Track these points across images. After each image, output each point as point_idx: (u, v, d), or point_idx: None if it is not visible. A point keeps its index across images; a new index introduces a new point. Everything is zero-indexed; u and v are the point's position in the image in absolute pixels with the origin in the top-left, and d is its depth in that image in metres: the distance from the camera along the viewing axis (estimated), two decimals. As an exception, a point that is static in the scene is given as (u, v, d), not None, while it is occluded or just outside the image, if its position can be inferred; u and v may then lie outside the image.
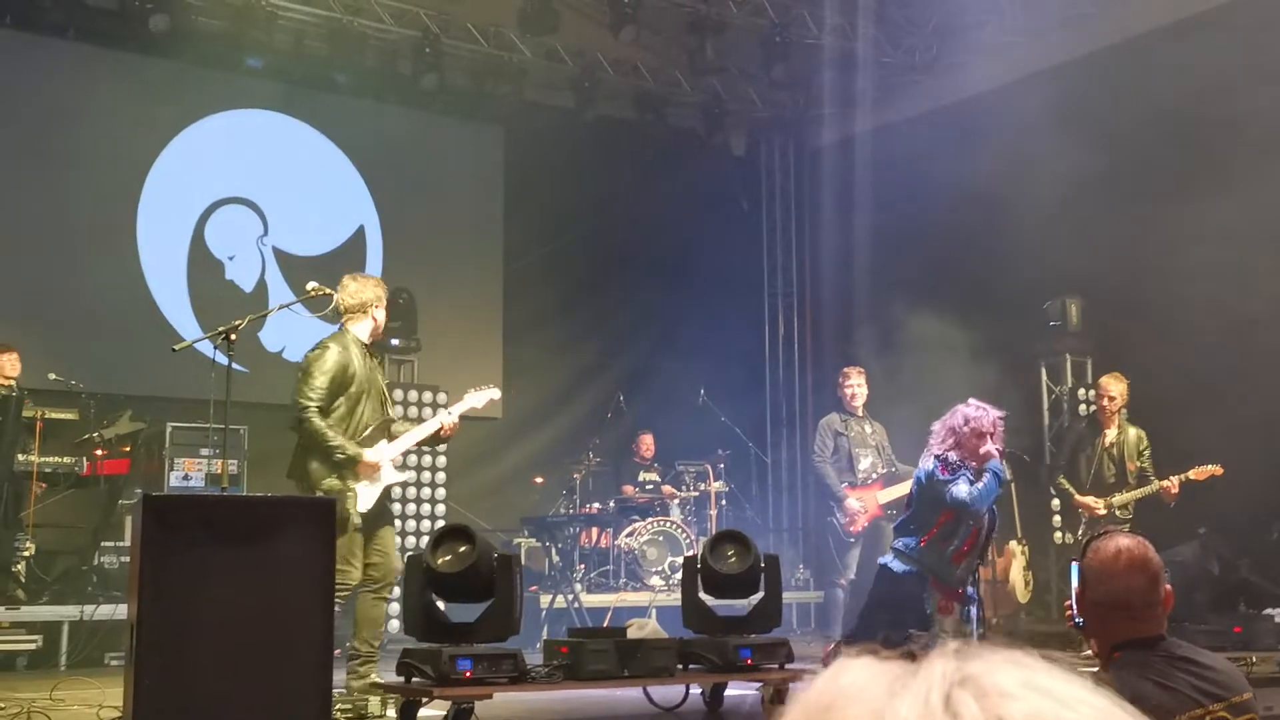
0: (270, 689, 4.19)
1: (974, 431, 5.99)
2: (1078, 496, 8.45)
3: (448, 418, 6.26)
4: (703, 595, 6.15)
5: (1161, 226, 9.10)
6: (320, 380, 5.87)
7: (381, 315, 6.27)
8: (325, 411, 5.89)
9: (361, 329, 6.16)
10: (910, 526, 6.14)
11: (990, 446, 6.03)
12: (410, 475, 9.64)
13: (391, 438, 6.19)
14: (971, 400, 6.18)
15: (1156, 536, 6.35)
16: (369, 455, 5.93)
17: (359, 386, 5.99)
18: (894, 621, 5.87)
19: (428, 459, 9.88)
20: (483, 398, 6.56)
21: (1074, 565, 2.94)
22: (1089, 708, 0.50)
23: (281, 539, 4.31)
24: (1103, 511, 8.27)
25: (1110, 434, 8.51)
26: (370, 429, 6.03)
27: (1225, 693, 2.51)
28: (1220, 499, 8.23)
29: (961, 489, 5.93)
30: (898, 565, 6.04)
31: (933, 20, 11.40)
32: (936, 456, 6.09)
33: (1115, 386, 8.47)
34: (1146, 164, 9.50)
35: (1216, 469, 7.97)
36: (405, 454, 9.52)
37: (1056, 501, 9.37)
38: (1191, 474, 8.01)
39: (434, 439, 6.40)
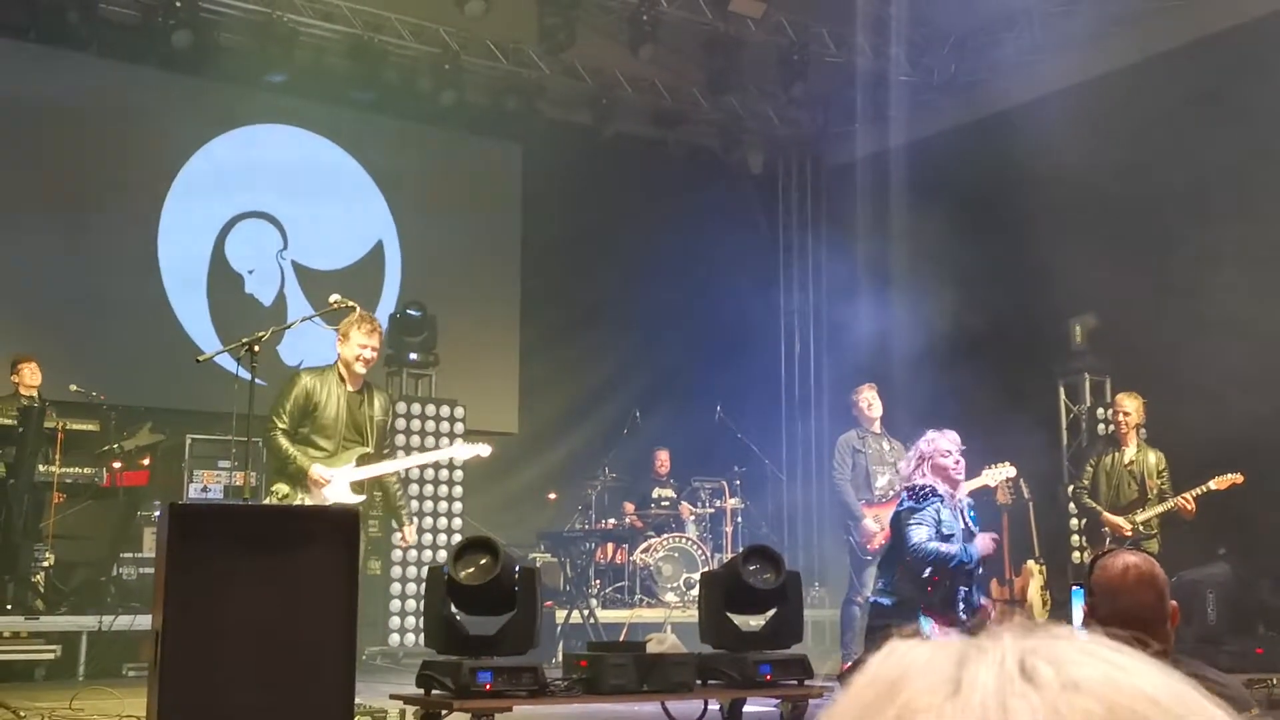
0: (293, 699, 4.19)
1: (937, 451, 6.08)
2: (1106, 515, 8.39)
3: (420, 460, 6.44)
4: (728, 611, 6.14)
5: (1181, 245, 9.08)
6: (285, 403, 6.27)
7: (348, 351, 6.38)
8: (290, 433, 6.24)
9: (344, 362, 6.41)
10: (889, 560, 6.25)
11: (957, 476, 6.10)
12: (415, 489, 9.69)
13: (360, 463, 6.41)
14: (941, 429, 6.27)
15: (1177, 557, 6.35)
16: (316, 470, 6.19)
17: (326, 417, 6.30)
18: None
19: (444, 473, 9.90)
20: (468, 450, 6.95)
21: (1075, 590, 2.95)
22: (1154, 673, 0.51)
23: (305, 549, 4.32)
24: (1129, 531, 8.21)
25: (1129, 452, 8.48)
26: (338, 453, 6.32)
27: (1233, 710, 2.52)
28: (1239, 519, 8.20)
29: (919, 533, 5.97)
30: (885, 599, 6.12)
31: (951, 38, 11.43)
32: (907, 488, 6.18)
33: (1130, 404, 8.44)
34: (1166, 183, 9.49)
35: (1237, 477, 7.92)
36: (423, 468, 9.63)
37: (1075, 520, 9.33)
38: (1213, 484, 7.97)
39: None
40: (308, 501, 6.16)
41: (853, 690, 0.54)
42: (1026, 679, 0.50)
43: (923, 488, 6.07)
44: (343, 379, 6.39)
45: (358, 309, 6.40)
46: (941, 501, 6.05)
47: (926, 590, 6.06)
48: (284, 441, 6.25)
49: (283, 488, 6.27)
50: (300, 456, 6.21)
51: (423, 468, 9.66)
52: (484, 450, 7.06)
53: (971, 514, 6.30)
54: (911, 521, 6.00)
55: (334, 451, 6.32)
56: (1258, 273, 8.52)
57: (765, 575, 6.02)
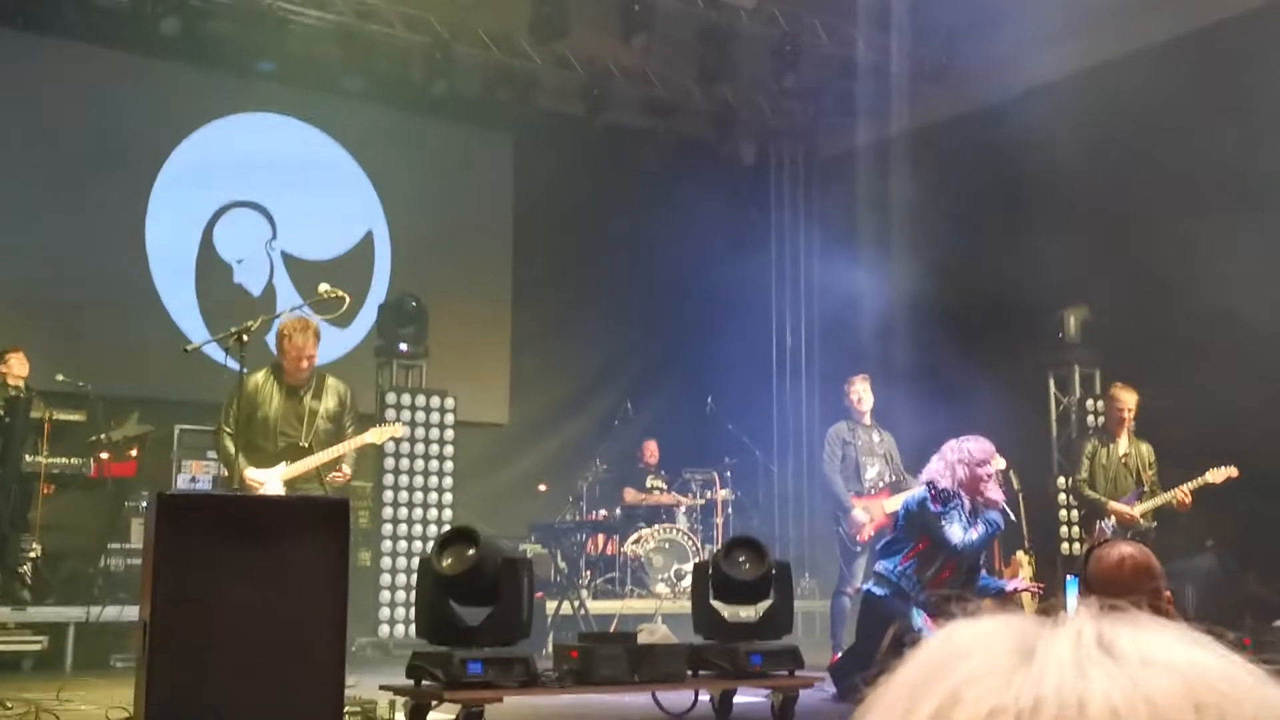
0: (282, 689, 4.17)
1: (973, 463, 6.09)
2: (1113, 505, 8.37)
3: (337, 450, 6.78)
4: (714, 601, 6.14)
5: (1171, 238, 9.08)
6: (230, 407, 6.55)
7: (285, 359, 6.79)
8: (235, 435, 6.49)
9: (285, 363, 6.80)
10: (893, 548, 6.24)
11: (994, 493, 6.12)
12: (404, 480, 9.68)
13: (294, 459, 6.72)
14: (975, 437, 6.27)
15: (1166, 549, 6.36)
16: (250, 474, 6.52)
17: (264, 417, 6.67)
18: (890, 643, 5.92)
19: (434, 464, 9.87)
20: (384, 433, 7.21)
21: (1070, 580, 2.95)
22: (1232, 659, 0.50)
23: (294, 539, 4.30)
24: (1140, 519, 8.19)
25: (1123, 444, 8.48)
26: (277, 452, 6.67)
27: None
28: (1227, 511, 8.21)
29: (956, 532, 6.03)
30: (878, 589, 6.14)
31: (944, 30, 11.41)
32: (928, 484, 6.16)
33: (1128, 397, 8.45)
34: (1158, 175, 9.49)
35: (1233, 471, 7.95)
36: (413, 459, 9.62)
37: (1065, 512, 9.34)
38: (1209, 476, 7.99)
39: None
40: None
41: (917, 658, 0.53)
42: (1104, 651, 0.49)
43: (945, 490, 6.07)
44: (281, 380, 6.75)
45: (346, 299, 6.38)
46: (959, 510, 6.09)
47: (925, 588, 6.07)
48: (228, 444, 6.54)
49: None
50: (236, 462, 6.47)
51: (412, 457, 9.64)
52: (398, 431, 7.59)
53: (991, 529, 6.28)
54: (943, 522, 6.03)
55: (272, 451, 6.65)
56: (1249, 265, 8.51)
57: (748, 566, 6.03)
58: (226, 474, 6.70)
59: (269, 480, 6.58)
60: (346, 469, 6.92)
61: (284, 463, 6.67)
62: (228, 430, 6.56)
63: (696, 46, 11.50)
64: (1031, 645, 0.50)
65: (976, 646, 0.51)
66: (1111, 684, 0.48)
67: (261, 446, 6.66)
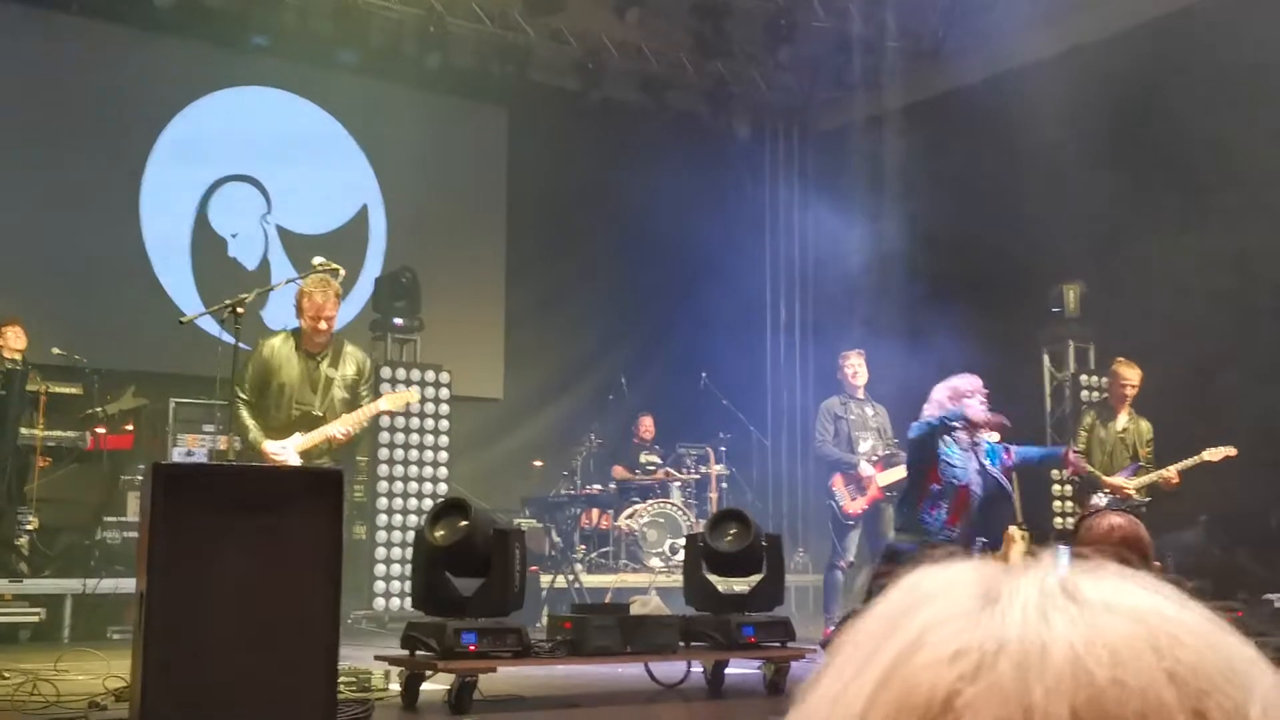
0: (278, 660, 4.20)
1: (960, 394, 6.18)
2: (1106, 479, 8.40)
3: (356, 418, 6.58)
4: (707, 574, 6.18)
5: (1166, 213, 9.10)
6: (248, 373, 6.46)
7: (304, 320, 6.52)
8: (252, 404, 6.43)
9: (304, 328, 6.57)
10: (909, 494, 6.30)
11: (981, 415, 6.19)
12: (400, 454, 9.70)
13: (308, 429, 6.54)
14: (962, 374, 6.38)
15: (1159, 523, 6.41)
16: (268, 446, 6.36)
17: (281, 385, 6.47)
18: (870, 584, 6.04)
19: (429, 439, 9.90)
20: (399, 400, 7.08)
21: (1061, 549, 2.98)
22: (1198, 609, 0.51)
23: (290, 510, 4.32)
24: (1135, 493, 8.23)
25: (1122, 420, 8.51)
26: (290, 422, 6.48)
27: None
28: (1220, 487, 8.25)
29: (955, 456, 6.12)
30: (903, 542, 6.15)
31: (940, 4, 11.39)
32: (924, 421, 6.26)
33: (1132, 373, 8.46)
34: (1152, 150, 9.50)
35: (1230, 450, 7.97)
36: (408, 434, 9.65)
37: (1058, 486, 9.38)
38: (1206, 454, 8.01)
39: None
40: None
41: (885, 601, 0.54)
42: (1068, 597, 0.50)
43: (947, 416, 6.14)
44: (299, 345, 6.52)
45: (341, 271, 6.38)
46: (956, 432, 6.16)
47: (946, 525, 6.13)
48: (244, 414, 6.42)
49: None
50: (254, 430, 6.37)
51: (407, 431, 9.67)
52: (413, 396, 7.40)
53: (991, 457, 6.36)
54: (940, 448, 6.10)
55: (286, 419, 6.48)
56: (1242, 242, 8.53)
57: (731, 538, 6.07)
58: (240, 445, 6.57)
59: (286, 451, 6.41)
60: (351, 430, 6.73)
61: (298, 433, 6.50)
62: (243, 398, 6.42)
63: (690, 21, 11.48)
64: (996, 591, 0.51)
65: (940, 592, 0.52)
66: (1073, 628, 0.48)
67: (276, 415, 6.46)
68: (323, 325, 6.48)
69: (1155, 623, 0.49)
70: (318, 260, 6.36)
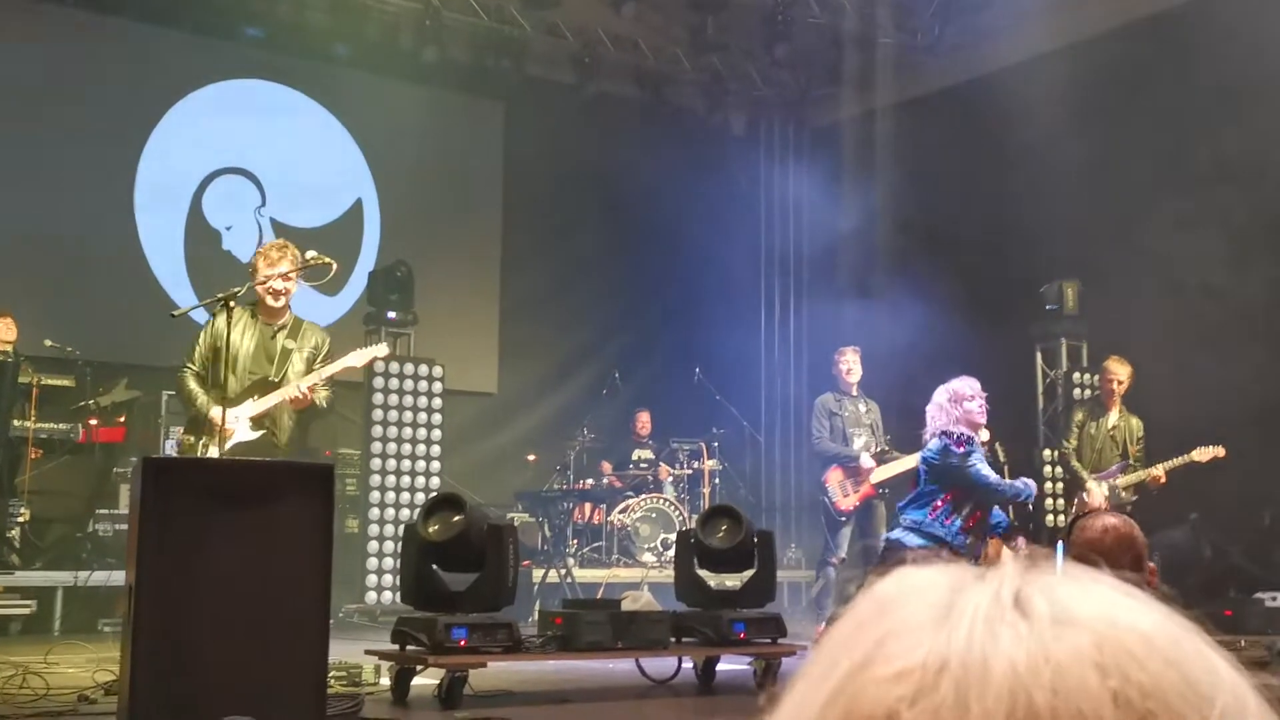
0: (268, 653, 4.20)
1: (962, 398, 6.20)
2: (1089, 483, 8.44)
3: (316, 377, 6.27)
4: (698, 569, 6.18)
5: (1161, 211, 9.10)
6: (196, 345, 6.32)
7: (259, 286, 6.27)
8: (200, 375, 6.23)
9: (258, 297, 6.34)
10: (920, 501, 6.26)
11: (974, 412, 6.24)
12: (393, 448, 9.68)
13: (263, 394, 6.28)
14: (959, 377, 6.39)
15: (1150, 521, 6.42)
16: (215, 413, 5.92)
17: (233, 350, 6.18)
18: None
19: (422, 432, 9.89)
20: (364, 355, 6.63)
21: (1059, 545, 2.99)
22: (1153, 613, 0.50)
23: (281, 503, 4.31)
24: (1105, 505, 8.26)
25: (1113, 417, 8.53)
26: (244, 390, 6.23)
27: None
28: (1212, 485, 8.26)
29: (985, 471, 6.14)
30: (911, 539, 6.13)
31: (935, 2, 11.38)
32: (944, 433, 6.20)
33: (1122, 370, 8.49)
34: (1147, 148, 9.50)
35: (1219, 450, 7.98)
36: (400, 427, 9.64)
37: (1051, 484, 9.39)
38: (1195, 454, 8.03)
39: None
40: (212, 447, 6.01)
41: (855, 607, 0.53)
42: (1019, 610, 0.49)
43: (963, 435, 6.15)
44: (256, 315, 6.34)
45: (333, 265, 6.36)
46: (977, 449, 6.22)
47: (960, 532, 6.13)
48: (191, 383, 6.25)
49: (188, 439, 6.33)
50: (202, 397, 6.16)
51: (400, 425, 9.66)
52: (381, 350, 6.92)
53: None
54: (972, 462, 6.11)
55: (240, 387, 6.22)
56: (1235, 239, 8.54)
57: (723, 534, 6.06)
58: (190, 415, 6.27)
59: (234, 419, 6.09)
60: (317, 394, 6.31)
61: (251, 399, 6.25)
62: (192, 368, 6.25)
63: (687, 15, 11.47)
64: (953, 601, 0.50)
65: (902, 601, 0.51)
66: (1017, 646, 0.47)
67: (229, 383, 6.05)
68: (277, 286, 6.23)
69: (1108, 635, 0.47)
70: (311, 254, 6.33)
